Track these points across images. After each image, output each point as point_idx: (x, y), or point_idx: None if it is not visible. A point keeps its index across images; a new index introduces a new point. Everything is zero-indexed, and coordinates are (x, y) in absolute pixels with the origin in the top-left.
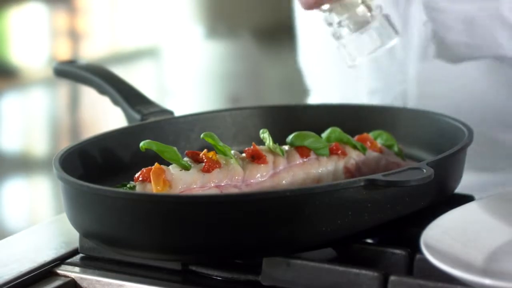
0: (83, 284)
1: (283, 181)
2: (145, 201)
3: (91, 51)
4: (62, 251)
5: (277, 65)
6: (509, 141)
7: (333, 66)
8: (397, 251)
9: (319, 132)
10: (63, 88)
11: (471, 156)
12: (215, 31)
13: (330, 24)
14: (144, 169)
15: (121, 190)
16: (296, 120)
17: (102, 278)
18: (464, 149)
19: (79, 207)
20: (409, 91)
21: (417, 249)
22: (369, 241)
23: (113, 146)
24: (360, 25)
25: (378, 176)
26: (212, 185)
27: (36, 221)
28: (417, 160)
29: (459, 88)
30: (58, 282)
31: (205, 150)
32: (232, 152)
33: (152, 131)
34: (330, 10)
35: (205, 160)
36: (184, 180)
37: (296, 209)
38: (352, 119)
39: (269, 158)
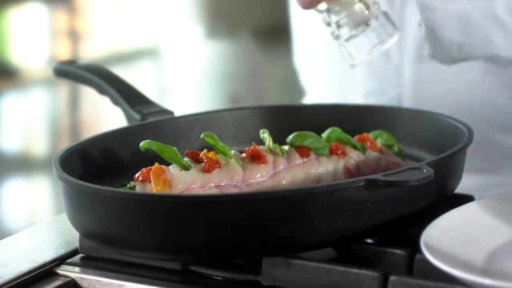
0: (83, 284)
1: (283, 181)
2: (145, 201)
3: (91, 51)
4: (62, 251)
5: (277, 65)
6: (508, 141)
7: (328, 67)
8: (397, 251)
9: (319, 132)
10: (63, 88)
11: (471, 156)
12: (215, 31)
13: (328, 24)
14: (144, 169)
15: (121, 190)
16: (296, 120)
17: (102, 278)
18: (464, 149)
19: (79, 207)
20: (405, 94)
21: (417, 249)
22: (369, 241)
23: (113, 146)
24: (359, 23)
25: (378, 176)
26: (212, 185)
27: (36, 221)
28: (417, 160)
29: (455, 90)
30: (58, 282)
31: (205, 150)
32: (232, 152)
33: (152, 131)
34: (327, 10)
35: (205, 160)
36: (184, 180)
37: (296, 209)
38: (352, 119)
39: (269, 158)
